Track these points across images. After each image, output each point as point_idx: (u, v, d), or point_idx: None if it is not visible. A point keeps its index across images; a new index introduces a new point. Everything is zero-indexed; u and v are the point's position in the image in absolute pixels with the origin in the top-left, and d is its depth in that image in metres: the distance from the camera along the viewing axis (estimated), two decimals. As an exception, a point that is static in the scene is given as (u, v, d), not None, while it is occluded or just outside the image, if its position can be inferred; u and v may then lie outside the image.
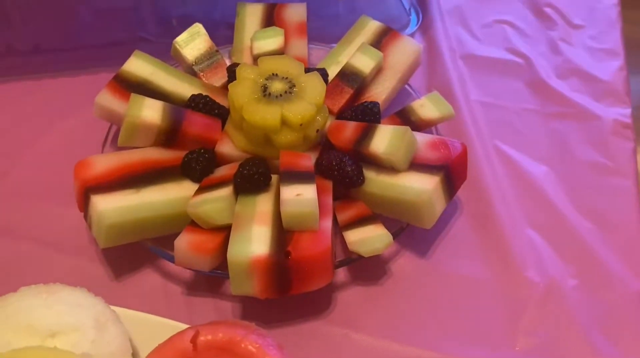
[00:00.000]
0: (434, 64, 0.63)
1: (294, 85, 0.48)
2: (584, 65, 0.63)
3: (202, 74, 0.55)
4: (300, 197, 0.42)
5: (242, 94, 0.47)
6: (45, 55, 0.62)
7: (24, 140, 0.56)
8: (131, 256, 0.46)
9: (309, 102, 0.47)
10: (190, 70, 0.55)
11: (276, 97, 0.47)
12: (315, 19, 0.59)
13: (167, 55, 0.56)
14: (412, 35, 0.67)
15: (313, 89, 0.48)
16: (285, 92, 0.47)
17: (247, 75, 0.48)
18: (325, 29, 0.64)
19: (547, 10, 0.70)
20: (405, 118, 0.52)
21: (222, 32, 0.65)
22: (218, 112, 0.51)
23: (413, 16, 0.68)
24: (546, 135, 0.57)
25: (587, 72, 0.62)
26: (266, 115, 0.46)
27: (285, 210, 0.42)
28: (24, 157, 0.55)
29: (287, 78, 0.48)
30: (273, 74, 0.48)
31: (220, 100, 0.52)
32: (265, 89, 0.47)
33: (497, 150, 0.55)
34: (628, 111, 0.58)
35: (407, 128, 0.47)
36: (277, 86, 0.47)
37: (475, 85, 0.61)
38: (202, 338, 0.35)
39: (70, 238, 0.48)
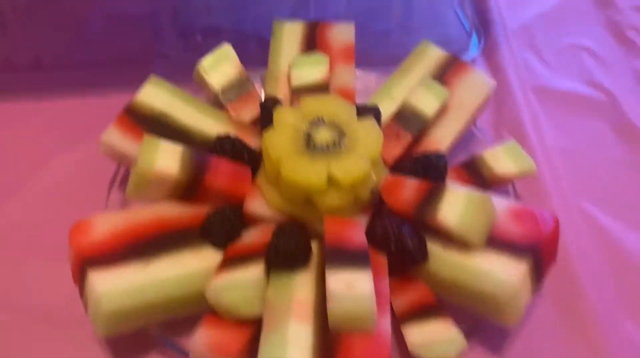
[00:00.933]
0: (502, 96, 0.53)
1: (344, 135, 0.38)
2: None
3: (229, 105, 0.46)
4: (353, 290, 0.32)
5: (281, 145, 0.37)
6: (46, 72, 0.54)
7: (16, 176, 0.47)
8: (136, 341, 0.37)
9: (362, 157, 0.37)
10: (215, 100, 0.46)
11: (322, 149, 0.38)
12: (361, 36, 0.50)
13: (188, 74, 0.47)
14: (473, 60, 0.57)
15: (367, 139, 0.38)
16: (334, 143, 0.38)
17: (287, 120, 0.39)
18: (374, 48, 0.55)
19: (631, 34, 0.60)
20: (474, 171, 0.43)
21: (253, 49, 0.57)
22: (248, 158, 0.42)
23: (474, 37, 0.59)
24: (645, 195, 0.47)
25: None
26: (310, 173, 0.36)
27: (333, 308, 0.32)
28: (14, 198, 0.46)
29: (335, 124, 0.39)
30: (318, 119, 0.39)
31: (249, 139, 0.43)
32: (308, 138, 0.38)
33: (583, 214, 0.45)
34: None
35: (487, 196, 0.37)
36: (323, 135, 0.38)
37: (552, 126, 0.52)
38: None
39: (62, 306, 0.39)
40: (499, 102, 0.53)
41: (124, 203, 0.43)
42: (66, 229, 0.38)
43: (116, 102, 0.46)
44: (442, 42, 0.53)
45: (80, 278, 0.36)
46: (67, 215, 0.41)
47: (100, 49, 0.55)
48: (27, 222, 0.44)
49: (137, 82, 0.48)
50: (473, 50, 0.58)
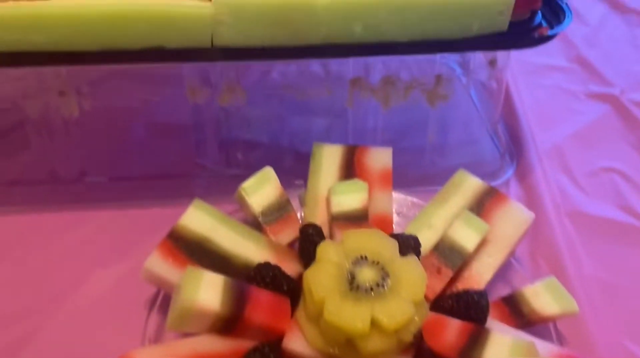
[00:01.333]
0: (537, 221, 0.53)
1: (387, 275, 0.39)
2: None
3: (268, 227, 0.47)
4: None
5: (324, 285, 0.38)
6: (90, 184, 0.55)
7: (56, 292, 0.47)
8: None
9: (406, 300, 0.37)
10: (254, 220, 0.47)
11: (365, 290, 0.38)
12: (396, 153, 0.51)
13: (228, 189, 0.48)
14: (507, 182, 0.58)
15: (411, 281, 0.38)
16: (377, 284, 0.38)
17: (330, 257, 0.39)
18: (407, 166, 0.56)
19: (662, 157, 0.61)
20: (514, 308, 0.43)
21: (290, 163, 0.58)
22: (287, 289, 0.42)
23: (507, 159, 0.60)
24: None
25: None
26: (354, 318, 0.36)
27: None
28: (53, 316, 0.46)
29: (378, 263, 0.39)
30: (361, 257, 0.39)
31: (287, 264, 0.43)
32: (352, 278, 0.38)
33: (627, 355, 0.44)
34: None
35: (532, 344, 0.37)
36: (366, 275, 0.38)
37: (588, 254, 0.51)
38: None
39: None
40: (535, 226, 0.53)
41: (162, 327, 0.43)
42: (106, 350, 0.38)
43: (157, 215, 0.47)
44: (475, 163, 0.54)
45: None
46: (104, 340, 0.41)
47: (143, 161, 0.57)
48: (63, 343, 0.44)
49: (178, 195, 0.49)
50: (506, 172, 0.58)
